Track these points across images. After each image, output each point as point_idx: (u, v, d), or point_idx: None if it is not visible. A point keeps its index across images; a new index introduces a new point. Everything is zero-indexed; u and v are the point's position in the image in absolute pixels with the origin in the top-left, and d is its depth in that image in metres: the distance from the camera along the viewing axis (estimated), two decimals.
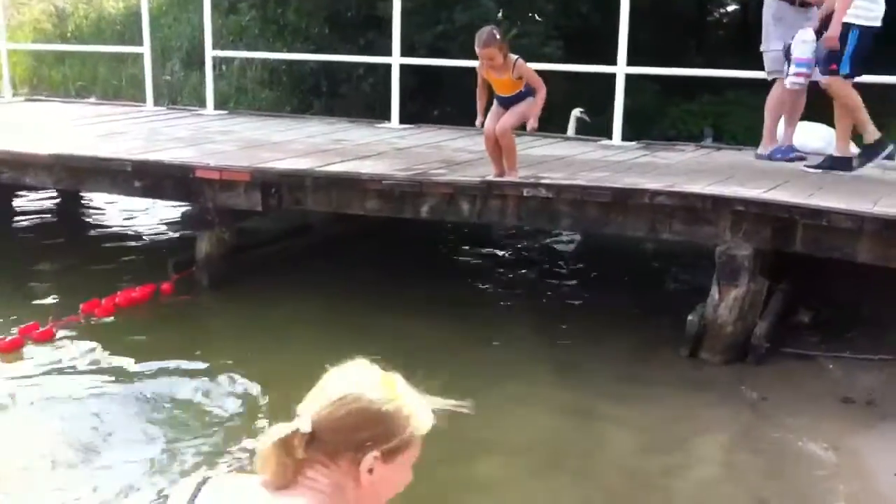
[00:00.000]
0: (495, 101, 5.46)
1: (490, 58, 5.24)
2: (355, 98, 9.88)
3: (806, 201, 4.94)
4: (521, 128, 5.59)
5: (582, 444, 4.19)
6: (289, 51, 10.30)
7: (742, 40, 6.72)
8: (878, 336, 4.71)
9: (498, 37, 5.25)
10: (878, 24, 5.44)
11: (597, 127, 8.44)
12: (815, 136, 6.90)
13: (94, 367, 4.91)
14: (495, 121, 5.42)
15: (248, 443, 4.18)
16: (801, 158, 6.28)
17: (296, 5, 10.22)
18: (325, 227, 7.21)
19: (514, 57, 5.30)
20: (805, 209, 4.86)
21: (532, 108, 5.34)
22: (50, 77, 13.12)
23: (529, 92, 5.36)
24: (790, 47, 5.91)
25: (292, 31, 10.04)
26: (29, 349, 5.11)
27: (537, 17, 10.08)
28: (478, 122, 5.59)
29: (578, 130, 8.54)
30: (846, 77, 5.53)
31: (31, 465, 3.89)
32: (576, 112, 8.39)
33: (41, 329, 5.27)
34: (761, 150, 6.49)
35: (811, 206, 4.86)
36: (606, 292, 6.33)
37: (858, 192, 5.18)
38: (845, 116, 5.72)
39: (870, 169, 5.93)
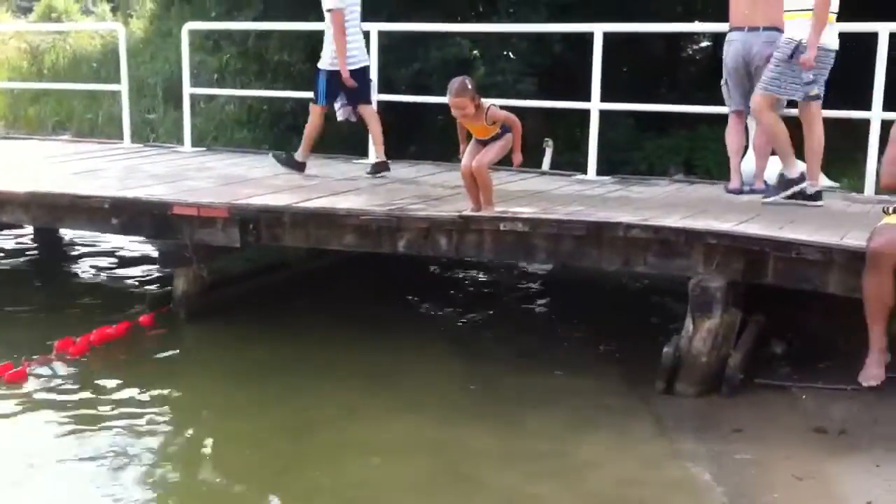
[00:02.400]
0: (473, 138, 5.55)
1: (461, 107, 5.34)
2: (333, 135, 9.92)
3: (776, 234, 5.04)
4: (505, 162, 5.66)
5: (557, 474, 4.21)
6: (269, 89, 10.36)
7: (714, 76, 6.85)
8: (849, 366, 4.77)
9: (470, 87, 5.33)
10: (355, 66, 7.14)
11: (571, 162, 8.53)
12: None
13: (67, 408, 4.87)
14: (472, 157, 5.51)
15: (220, 480, 4.19)
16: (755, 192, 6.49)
17: (277, 45, 10.28)
18: (302, 263, 7.24)
19: (486, 104, 5.39)
20: (775, 242, 4.95)
21: (507, 147, 5.46)
22: (26, 115, 13.12)
23: (507, 129, 5.45)
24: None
25: (273, 70, 10.09)
26: (1, 391, 5.05)
27: (511, 56, 10.19)
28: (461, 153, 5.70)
29: (552, 161, 8.65)
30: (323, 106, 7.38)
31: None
32: (547, 142, 8.54)
33: (14, 370, 5.21)
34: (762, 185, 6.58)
35: (781, 239, 4.95)
36: (581, 326, 6.37)
37: (828, 225, 5.28)
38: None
39: (839, 202, 6.07)
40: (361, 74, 7.27)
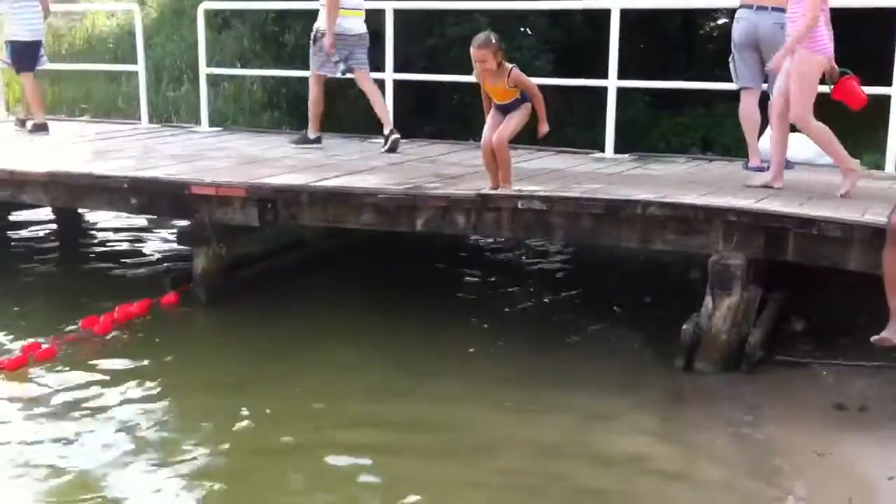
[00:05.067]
0: (493, 107, 5.52)
1: (482, 60, 5.28)
2: (350, 115, 9.91)
3: (797, 210, 5.01)
4: (524, 140, 5.62)
5: (577, 448, 4.23)
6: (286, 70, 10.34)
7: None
8: (869, 343, 4.75)
9: (493, 41, 5.28)
10: (37, 37, 8.72)
11: (588, 140, 8.49)
12: (804, 147, 6.97)
13: (95, 387, 4.91)
14: (492, 131, 5.47)
15: (237, 458, 4.22)
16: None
17: (293, 21, 10.25)
18: (320, 242, 7.26)
19: (509, 66, 5.34)
20: (796, 218, 4.93)
21: (525, 118, 5.44)
22: (44, 96, 13.12)
23: (526, 98, 5.41)
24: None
25: (290, 51, 10.06)
26: (32, 369, 5.09)
27: (528, 32, 10.14)
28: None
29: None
30: (20, 70, 8.71)
31: (32, 482, 3.93)
32: None
33: (43, 348, 5.28)
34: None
35: (802, 216, 4.93)
36: (600, 304, 6.37)
37: (848, 202, 5.26)
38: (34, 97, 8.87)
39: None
40: (35, 46, 8.73)
